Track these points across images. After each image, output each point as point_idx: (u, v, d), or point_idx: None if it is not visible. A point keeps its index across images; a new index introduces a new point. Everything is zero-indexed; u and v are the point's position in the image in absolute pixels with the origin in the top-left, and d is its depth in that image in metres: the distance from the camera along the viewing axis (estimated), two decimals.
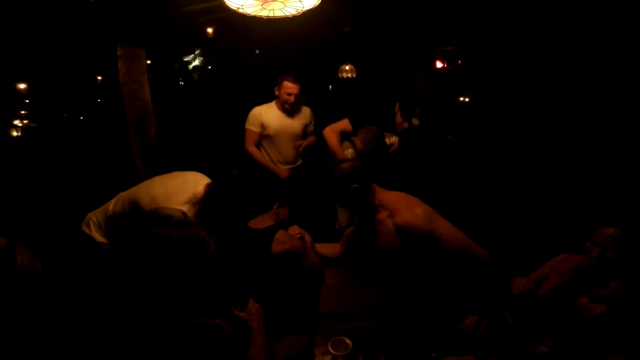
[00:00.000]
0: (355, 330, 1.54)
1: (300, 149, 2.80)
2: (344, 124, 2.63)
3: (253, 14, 1.67)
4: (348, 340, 1.38)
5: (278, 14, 1.68)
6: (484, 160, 3.40)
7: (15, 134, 4.35)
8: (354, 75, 4.74)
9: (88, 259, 1.75)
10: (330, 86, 5.53)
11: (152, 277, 1.06)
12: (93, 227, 1.82)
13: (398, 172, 2.51)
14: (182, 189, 1.76)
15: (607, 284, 1.34)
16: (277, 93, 2.70)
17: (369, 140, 2.44)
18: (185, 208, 1.71)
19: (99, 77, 4.72)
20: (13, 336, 1.41)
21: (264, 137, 2.76)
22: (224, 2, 1.58)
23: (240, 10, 1.62)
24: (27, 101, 4.52)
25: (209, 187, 1.77)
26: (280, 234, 1.75)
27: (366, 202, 1.69)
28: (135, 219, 1.72)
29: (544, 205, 2.70)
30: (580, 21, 2.67)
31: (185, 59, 5.50)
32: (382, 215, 1.68)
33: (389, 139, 2.62)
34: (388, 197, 1.70)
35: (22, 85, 4.40)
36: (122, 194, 1.87)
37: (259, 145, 2.80)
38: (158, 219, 1.41)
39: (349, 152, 2.65)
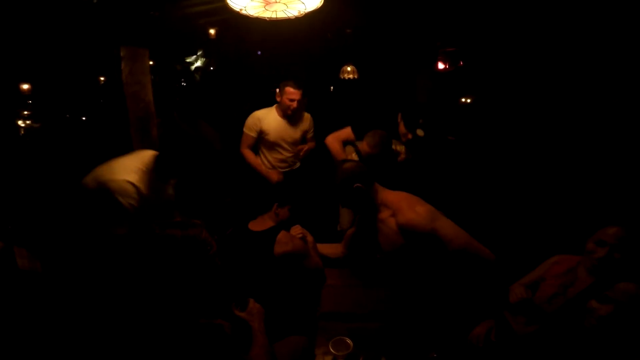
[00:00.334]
0: (357, 330, 1.54)
1: (301, 154, 2.78)
2: (347, 132, 2.62)
3: (256, 15, 1.68)
4: (349, 341, 1.38)
5: (280, 15, 1.68)
6: (485, 161, 3.40)
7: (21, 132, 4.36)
8: (356, 77, 4.74)
9: (89, 260, 1.75)
10: (332, 87, 5.54)
11: (155, 278, 1.07)
12: None
13: (405, 180, 2.50)
14: (126, 161, 1.70)
15: (614, 286, 1.29)
16: (278, 99, 2.67)
17: (376, 144, 2.43)
18: (132, 177, 1.62)
19: (102, 78, 4.74)
20: (13, 336, 1.42)
21: (264, 142, 2.74)
22: (227, 4, 1.59)
23: (243, 12, 1.63)
24: (30, 102, 4.55)
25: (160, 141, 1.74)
26: (282, 235, 1.75)
27: (369, 201, 1.70)
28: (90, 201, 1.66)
29: (545, 205, 2.70)
30: (581, 22, 2.67)
31: (188, 60, 5.52)
32: (385, 214, 1.69)
33: (396, 146, 2.61)
34: (390, 196, 1.71)
35: (25, 86, 4.43)
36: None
37: (258, 149, 2.78)
38: (98, 191, 1.49)
39: (353, 157, 2.64)
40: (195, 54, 5.48)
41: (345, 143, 2.65)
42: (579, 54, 2.82)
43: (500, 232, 2.21)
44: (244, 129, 2.73)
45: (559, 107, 3.06)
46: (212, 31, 4.35)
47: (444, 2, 3.19)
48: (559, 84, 3.06)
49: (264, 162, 2.80)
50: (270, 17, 1.69)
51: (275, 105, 2.74)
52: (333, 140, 2.60)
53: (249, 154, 2.74)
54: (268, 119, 2.70)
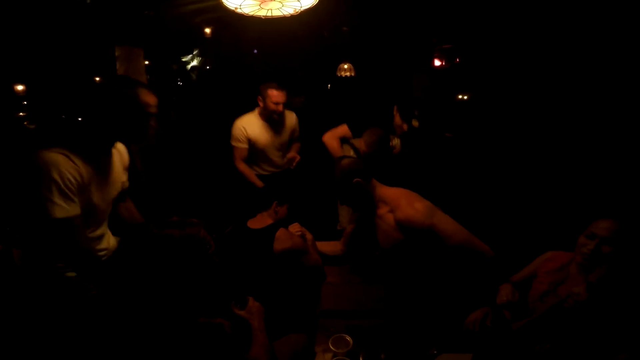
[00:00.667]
0: (356, 327, 1.54)
1: (294, 164, 2.68)
2: (344, 129, 2.60)
3: (251, 13, 1.67)
4: (349, 338, 1.38)
5: (276, 13, 1.68)
6: (483, 158, 3.41)
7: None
8: (353, 74, 4.74)
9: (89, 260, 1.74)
10: (329, 85, 5.54)
11: (154, 278, 1.07)
12: None
13: (400, 173, 2.51)
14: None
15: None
16: (260, 104, 2.54)
17: (373, 142, 2.42)
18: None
19: (97, 78, 4.72)
20: (13, 336, 1.41)
21: (252, 150, 2.62)
22: (222, 2, 1.58)
23: (238, 10, 1.62)
24: (25, 103, 4.52)
25: None
26: (281, 232, 1.76)
27: (367, 197, 1.70)
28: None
29: (543, 201, 2.71)
30: (578, 18, 2.68)
31: (184, 59, 5.50)
32: (383, 210, 1.69)
33: (391, 141, 2.62)
34: (388, 192, 1.72)
35: (20, 87, 4.40)
36: None
37: (248, 157, 2.66)
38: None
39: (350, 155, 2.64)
40: (191, 53, 5.46)
41: (342, 140, 2.65)
42: (576, 51, 2.83)
43: (499, 228, 2.22)
44: (233, 142, 2.59)
45: (556, 103, 3.07)
46: (207, 30, 4.33)
47: None
48: (555, 81, 3.07)
49: (257, 171, 2.70)
50: (266, 16, 1.68)
51: (256, 110, 2.61)
52: (330, 138, 2.58)
53: (244, 169, 2.61)
54: (252, 125, 2.58)
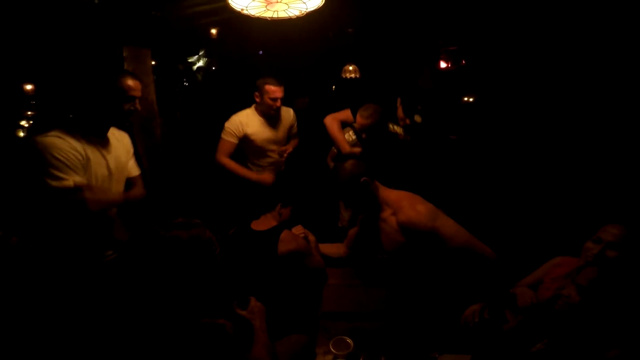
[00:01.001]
0: (357, 330, 1.54)
1: (284, 155, 2.64)
2: (346, 113, 2.58)
3: (257, 15, 1.68)
4: (349, 340, 1.39)
5: (282, 15, 1.68)
6: (488, 160, 3.39)
7: (22, 134, 4.39)
8: (358, 76, 4.74)
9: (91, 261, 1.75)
10: (334, 86, 5.54)
11: (160, 279, 1.07)
12: None
13: (404, 167, 2.50)
14: None
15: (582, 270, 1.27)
16: (257, 100, 2.49)
17: (369, 115, 2.38)
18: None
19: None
20: (13, 336, 1.43)
21: (249, 148, 2.58)
22: (228, 4, 1.59)
23: (245, 12, 1.63)
24: (34, 102, 4.57)
25: None
26: (285, 234, 1.76)
27: (372, 198, 1.70)
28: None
29: (547, 204, 2.69)
30: (585, 21, 2.66)
31: (190, 60, 5.54)
32: (386, 213, 1.70)
33: (393, 127, 2.61)
34: (391, 195, 1.72)
35: (28, 86, 4.46)
36: None
37: (244, 154, 2.62)
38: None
39: (350, 135, 2.62)
40: (197, 53, 5.49)
41: (344, 125, 2.62)
42: (583, 54, 2.81)
43: (503, 232, 2.21)
44: (223, 135, 2.52)
45: (563, 106, 3.05)
46: (213, 31, 4.36)
47: (445, 1, 3.18)
48: (562, 84, 3.04)
49: (252, 169, 2.65)
50: (272, 17, 1.69)
51: (253, 107, 2.57)
52: (332, 120, 2.56)
53: (229, 162, 2.52)
54: (251, 123, 2.53)
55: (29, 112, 4.49)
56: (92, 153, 1.52)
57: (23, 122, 4.46)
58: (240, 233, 1.86)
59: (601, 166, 2.61)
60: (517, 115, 3.48)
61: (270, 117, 2.55)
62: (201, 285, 1.11)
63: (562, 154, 2.92)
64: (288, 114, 2.68)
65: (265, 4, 1.59)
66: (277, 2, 1.57)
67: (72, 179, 1.41)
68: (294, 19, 1.73)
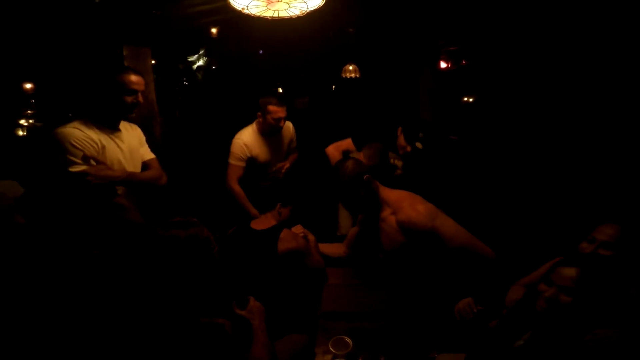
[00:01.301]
0: (357, 330, 1.54)
1: (282, 171, 2.66)
2: (348, 143, 2.60)
3: (258, 14, 1.68)
4: (349, 340, 1.39)
5: (282, 14, 1.69)
6: (488, 161, 3.40)
7: (21, 133, 4.39)
8: (358, 76, 4.73)
9: (89, 258, 1.75)
10: (334, 86, 5.54)
11: (158, 278, 1.07)
12: None
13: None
14: None
15: (556, 269, 1.24)
16: (260, 119, 2.54)
17: (373, 155, 2.43)
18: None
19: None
20: (13, 335, 1.43)
21: (253, 166, 2.60)
22: (229, 3, 1.59)
23: (245, 11, 1.63)
24: (33, 101, 4.57)
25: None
26: (285, 233, 1.76)
27: (373, 197, 1.70)
28: None
29: (547, 204, 2.69)
30: (587, 22, 2.66)
31: (190, 59, 5.53)
32: (386, 212, 1.69)
33: (393, 160, 2.61)
34: (391, 194, 1.72)
35: (28, 85, 4.45)
36: None
37: (245, 172, 2.62)
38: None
39: None
40: (197, 53, 5.48)
41: (345, 154, 2.64)
42: (584, 55, 2.81)
43: (503, 232, 2.21)
44: (232, 160, 2.55)
45: (563, 107, 3.05)
46: (214, 30, 4.35)
47: (446, 1, 3.18)
48: (563, 84, 3.05)
49: (254, 183, 2.67)
50: (272, 17, 1.69)
51: (254, 123, 2.61)
52: (334, 150, 2.59)
53: (240, 192, 2.54)
54: (253, 143, 2.57)
55: (29, 111, 4.49)
56: (107, 142, 1.71)
57: (22, 121, 4.46)
58: (240, 232, 1.86)
59: (601, 166, 2.62)
60: (517, 116, 3.48)
61: (272, 135, 2.61)
62: (200, 284, 1.11)
63: (562, 154, 2.93)
64: (288, 129, 2.73)
65: (266, 4, 1.59)
66: (278, 1, 1.57)
67: (86, 165, 1.59)
68: (294, 18, 1.73)
